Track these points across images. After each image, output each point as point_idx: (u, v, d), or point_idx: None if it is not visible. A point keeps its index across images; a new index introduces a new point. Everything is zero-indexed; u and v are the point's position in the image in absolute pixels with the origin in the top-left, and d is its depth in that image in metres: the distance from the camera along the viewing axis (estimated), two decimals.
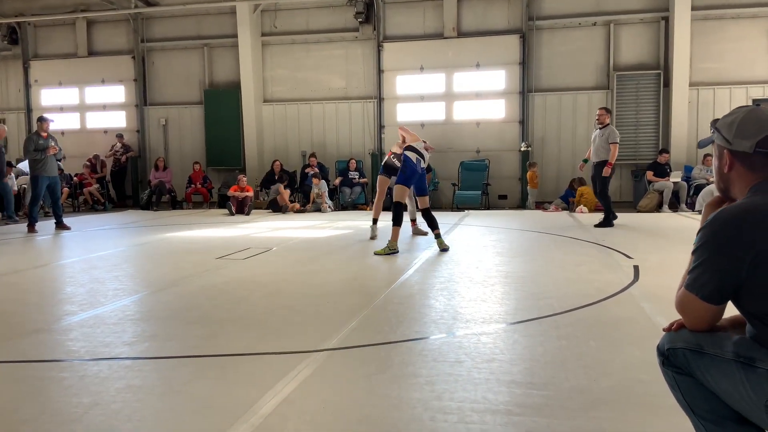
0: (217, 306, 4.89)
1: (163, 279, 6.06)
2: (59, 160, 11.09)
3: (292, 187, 14.49)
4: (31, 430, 2.65)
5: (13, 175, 13.89)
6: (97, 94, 17.12)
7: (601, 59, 14.32)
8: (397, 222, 7.56)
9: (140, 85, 16.70)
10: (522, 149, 14.41)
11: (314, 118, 15.80)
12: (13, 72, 17.52)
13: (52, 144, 10.58)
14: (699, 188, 12.56)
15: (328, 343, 3.78)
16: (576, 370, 3.26)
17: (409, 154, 7.88)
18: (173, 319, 4.52)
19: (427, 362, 3.42)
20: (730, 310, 1.89)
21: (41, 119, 10.74)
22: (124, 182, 16.48)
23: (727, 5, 13.61)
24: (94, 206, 15.36)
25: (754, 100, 13.42)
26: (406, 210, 8.12)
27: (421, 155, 7.95)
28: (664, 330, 2.01)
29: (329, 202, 14.07)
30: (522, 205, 14.29)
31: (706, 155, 12.99)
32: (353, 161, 14.80)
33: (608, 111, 10.40)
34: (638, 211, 12.64)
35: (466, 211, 13.35)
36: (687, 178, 13.09)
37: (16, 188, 13.82)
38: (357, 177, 14.62)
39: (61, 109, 17.09)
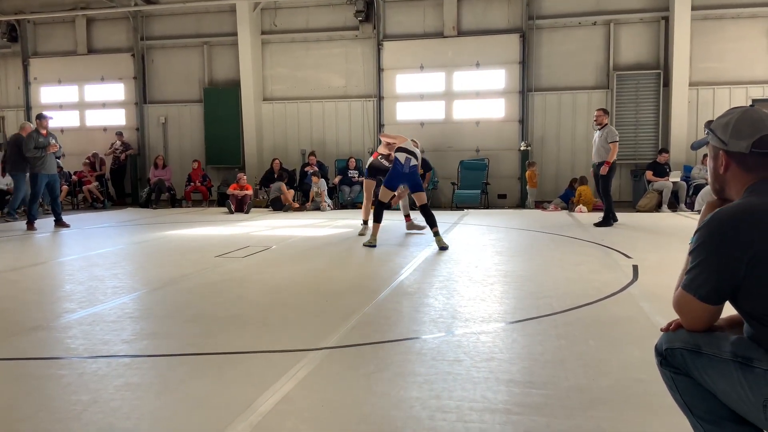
0: (216, 304, 4.89)
1: (162, 277, 6.06)
2: (58, 158, 11.08)
3: (291, 185, 14.49)
4: (30, 428, 2.65)
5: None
6: (96, 91, 17.12)
7: (601, 59, 14.32)
8: (376, 219, 8.01)
9: (140, 83, 16.69)
10: (521, 148, 14.42)
11: (314, 117, 15.80)
12: (12, 69, 17.52)
13: (53, 142, 10.57)
14: (698, 188, 12.57)
15: (326, 342, 3.78)
16: (575, 369, 3.27)
17: (398, 155, 8.07)
18: (172, 317, 4.52)
19: (426, 361, 3.42)
20: (728, 310, 1.89)
21: (40, 116, 10.72)
22: (124, 180, 16.48)
23: (726, 5, 13.62)
24: (93, 204, 15.36)
25: (753, 100, 13.43)
26: (388, 208, 8.54)
27: (412, 153, 8.10)
28: (661, 330, 2.01)
29: (328, 201, 14.08)
30: (521, 204, 14.29)
31: (705, 155, 12.97)
32: (352, 160, 14.80)
33: (606, 112, 10.43)
34: (637, 211, 12.65)
35: (465, 210, 13.36)
36: (686, 178, 13.10)
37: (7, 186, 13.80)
38: (356, 176, 14.61)
39: (61, 106, 17.09)
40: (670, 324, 1.99)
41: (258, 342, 3.88)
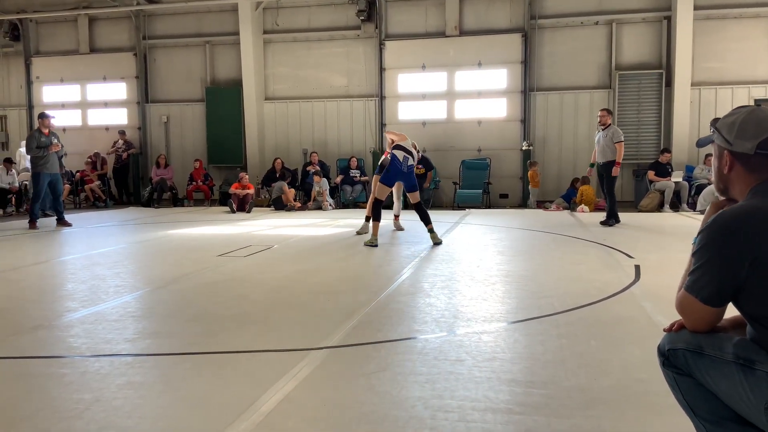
0: (217, 303, 4.89)
1: (164, 276, 6.06)
2: (61, 157, 11.10)
3: (293, 185, 14.50)
4: (32, 426, 2.65)
5: (14, 171, 13.92)
6: (98, 91, 17.14)
7: (603, 58, 14.31)
8: (375, 218, 8.02)
9: (142, 83, 16.71)
10: (523, 148, 14.41)
11: (315, 116, 15.80)
12: (14, 69, 17.54)
13: (55, 141, 10.58)
14: (700, 188, 12.55)
15: (328, 341, 3.78)
16: (576, 369, 3.27)
17: (396, 152, 8.15)
18: (174, 316, 4.53)
19: (428, 360, 3.42)
20: (731, 311, 1.89)
21: (42, 116, 10.73)
22: (128, 179, 16.48)
23: (729, 5, 13.60)
24: (95, 203, 15.37)
25: (756, 100, 13.40)
26: (387, 208, 8.61)
27: (410, 153, 8.18)
28: (664, 330, 2.01)
29: (330, 200, 14.08)
30: (523, 204, 14.28)
31: (707, 155, 12.97)
32: (354, 159, 14.81)
33: (609, 112, 10.42)
34: (639, 211, 12.63)
35: (467, 210, 13.35)
36: (688, 178, 13.08)
37: (17, 184, 13.85)
38: (358, 175, 14.63)
39: (63, 106, 17.11)
40: (672, 324, 1.99)
41: (260, 341, 3.89)
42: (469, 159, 14.70)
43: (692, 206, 12.65)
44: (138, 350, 3.71)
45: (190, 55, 16.45)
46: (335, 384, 3.10)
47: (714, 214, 1.88)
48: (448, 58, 14.86)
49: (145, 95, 16.77)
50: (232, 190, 13.68)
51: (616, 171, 9.96)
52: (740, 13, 13.60)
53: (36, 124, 10.90)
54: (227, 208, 13.57)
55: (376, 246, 7.76)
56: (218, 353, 3.64)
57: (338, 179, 14.63)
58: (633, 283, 5.43)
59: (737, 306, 1.86)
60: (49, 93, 17.43)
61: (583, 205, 12.86)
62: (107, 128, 17.02)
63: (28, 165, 11.72)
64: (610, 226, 9.89)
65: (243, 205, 13.43)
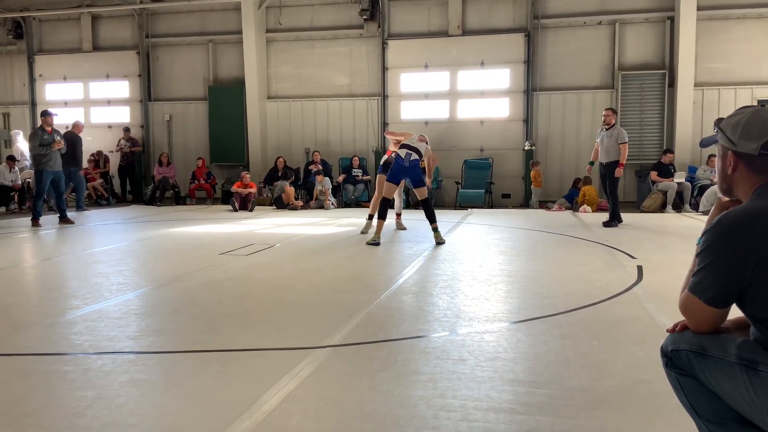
0: (220, 302, 4.90)
1: (166, 274, 6.07)
2: (63, 155, 11.10)
3: (295, 184, 14.51)
4: (35, 423, 2.66)
5: (17, 169, 13.94)
6: (101, 89, 17.15)
7: (606, 58, 14.29)
8: (381, 216, 8.04)
9: (144, 81, 16.72)
10: (526, 148, 14.40)
11: (318, 115, 15.81)
12: (17, 66, 17.56)
13: (57, 139, 10.59)
14: (703, 189, 12.52)
15: (330, 340, 3.78)
16: (579, 369, 3.26)
17: (399, 151, 8.22)
18: (177, 314, 4.54)
19: (430, 360, 3.42)
20: (735, 312, 1.89)
21: (45, 113, 10.74)
22: (133, 176, 16.50)
23: (732, 5, 13.57)
24: (98, 201, 15.39)
25: (759, 101, 13.38)
26: (392, 207, 8.62)
27: (415, 149, 8.21)
28: (667, 331, 2.01)
29: (332, 199, 14.08)
30: (525, 204, 14.27)
31: (710, 156, 12.96)
32: (356, 158, 14.81)
33: (614, 111, 10.41)
34: (642, 212, 12.62)
35: (469, 210, 13.35)
36: (691, 179, 13.06)
37: (20, 182, 13.88)
38: (360, 174, 14.63)
39: (66, 103, 17.13)
40: (676, 325, 1.98)
41: (262, 339, 3.89)
42: (472, 159, 14.69)
43: (695, 207, 12.63)
44: (141, 348, 3.72)
45: (193, 54, 16.46)
46: (337, 383, 3.11)
47: (719, 215, 1.88)
48: (451, 58, 14.85)
49: (147, 93, 16.79)
50: (235, 188, 13.69)
51: (619, 172, 9.94)
52: (744, 13, 13.57)
53: (39, 122, 10.92)
54: (229, 207, 13.57)
55: (379, 245, 7.78)
56: (220, 351, 3.64)
57: (340, 178, 14.64)
58: (635, 284, 5.43)
59: (741, 307, 1.86)
60: (52, 91, 17.45)
61: (585, 205, 12.85)
62: (110, 126, 17.04)
63: (24, 150, 12.03)
64: (613, 227, 9.88)
65: (245, 204, 13.44)
